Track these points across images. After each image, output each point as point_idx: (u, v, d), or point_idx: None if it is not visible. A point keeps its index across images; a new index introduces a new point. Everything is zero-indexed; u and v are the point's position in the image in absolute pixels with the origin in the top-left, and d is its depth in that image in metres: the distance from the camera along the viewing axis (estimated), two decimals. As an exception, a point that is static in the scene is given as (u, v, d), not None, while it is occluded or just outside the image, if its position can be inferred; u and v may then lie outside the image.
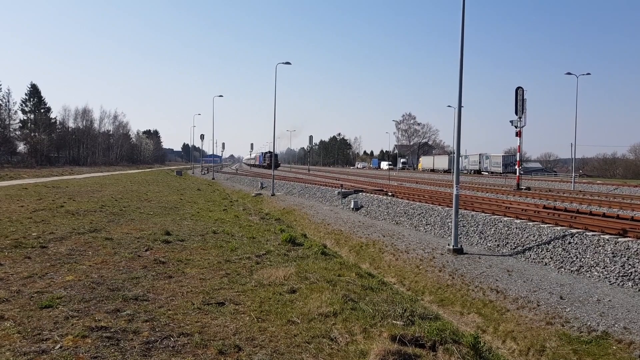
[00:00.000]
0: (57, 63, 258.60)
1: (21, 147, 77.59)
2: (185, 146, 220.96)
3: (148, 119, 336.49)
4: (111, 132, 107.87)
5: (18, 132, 77.79)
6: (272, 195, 32.26)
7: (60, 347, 5.23)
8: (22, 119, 79.24)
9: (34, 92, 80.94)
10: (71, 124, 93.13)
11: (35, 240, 11.53)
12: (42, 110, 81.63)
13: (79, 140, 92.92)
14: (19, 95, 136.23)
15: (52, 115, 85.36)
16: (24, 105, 79.49)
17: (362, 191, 27.77)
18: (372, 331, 6.15)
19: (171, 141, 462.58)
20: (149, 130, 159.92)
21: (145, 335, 5.74)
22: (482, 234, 15.17)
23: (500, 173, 64.14)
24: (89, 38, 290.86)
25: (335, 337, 5.97)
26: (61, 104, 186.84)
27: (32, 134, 77.45)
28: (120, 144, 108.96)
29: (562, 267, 11.54)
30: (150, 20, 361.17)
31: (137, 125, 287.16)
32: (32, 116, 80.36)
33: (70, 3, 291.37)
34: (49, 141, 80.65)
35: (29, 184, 32.39)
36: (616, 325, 7.59)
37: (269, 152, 59.28)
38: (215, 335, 5.86)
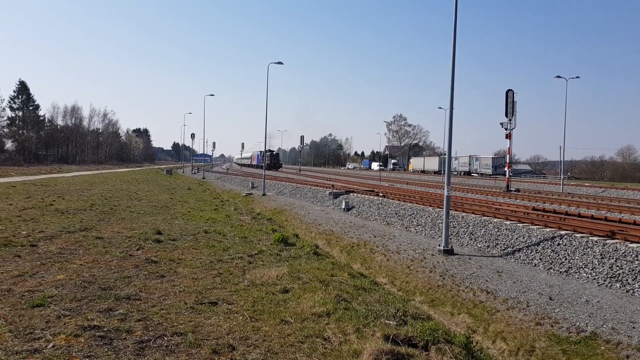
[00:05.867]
0: (47, 61, 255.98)
1: (9, 144, 76.69)
2: (175, 145, 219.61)
3: (138, 118, 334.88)
4: (100, 131, 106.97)
5: (6, 130, 76.85)
6: (263, 195, 32.20)
7: (53, 346, 5.20)
8: (10, 116, 78.35)
9: (23, 89, 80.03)
10: (60, 122, 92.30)
11: (25, 239, 11.43)
12: (30, 108, 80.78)
13: (68, 138, 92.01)
14: (7, 92, 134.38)
15: (41, 113, 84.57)
16: (12, 102, 78.57)
17: (353, 192, 27.83)
18: (365, 331, 6.19)
19: (161, 140, 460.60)
20: (139, 129, 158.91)
21: (139, 334, 5.72)
22: (473, 235, 15.29)
23: (490, 175, 64.63)
24: (79, 37, 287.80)
25: (328, 337, 6.00)
26: (50, 102, 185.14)
27: (20, 132, 76.54)
28: (109, 142, 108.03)
29: (551, 268, 11.67)
30: (140, 19, 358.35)
31: (127, 124, 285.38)
32: (21, 113, 79.50)
33: (61, 1, 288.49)
34: (38, 139, 79.79)
35: (17, 182, 32.03)
36: (604, 326, 7.70)
37: (269, 150, 56.68)
38: (209, 335, 5.86)
